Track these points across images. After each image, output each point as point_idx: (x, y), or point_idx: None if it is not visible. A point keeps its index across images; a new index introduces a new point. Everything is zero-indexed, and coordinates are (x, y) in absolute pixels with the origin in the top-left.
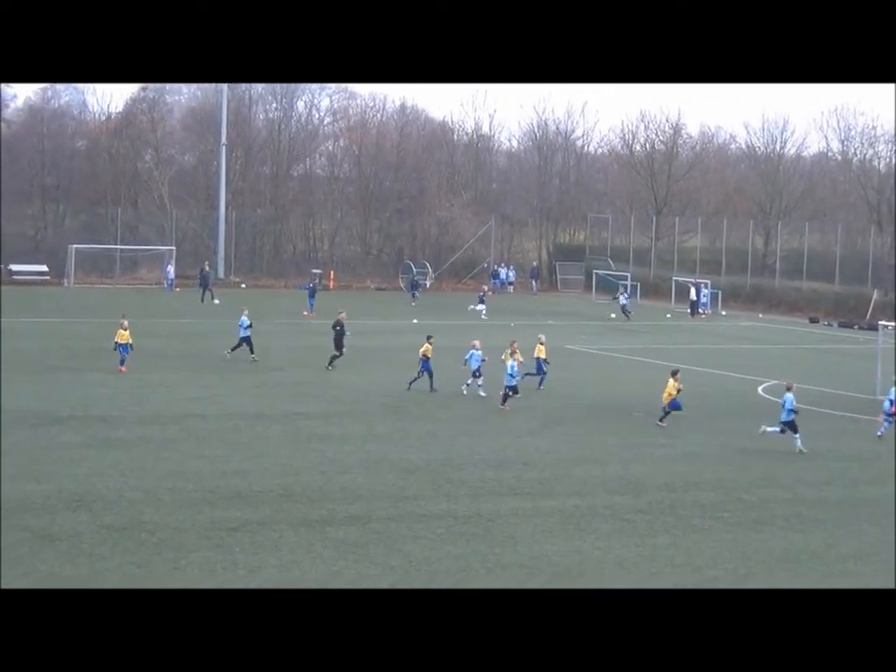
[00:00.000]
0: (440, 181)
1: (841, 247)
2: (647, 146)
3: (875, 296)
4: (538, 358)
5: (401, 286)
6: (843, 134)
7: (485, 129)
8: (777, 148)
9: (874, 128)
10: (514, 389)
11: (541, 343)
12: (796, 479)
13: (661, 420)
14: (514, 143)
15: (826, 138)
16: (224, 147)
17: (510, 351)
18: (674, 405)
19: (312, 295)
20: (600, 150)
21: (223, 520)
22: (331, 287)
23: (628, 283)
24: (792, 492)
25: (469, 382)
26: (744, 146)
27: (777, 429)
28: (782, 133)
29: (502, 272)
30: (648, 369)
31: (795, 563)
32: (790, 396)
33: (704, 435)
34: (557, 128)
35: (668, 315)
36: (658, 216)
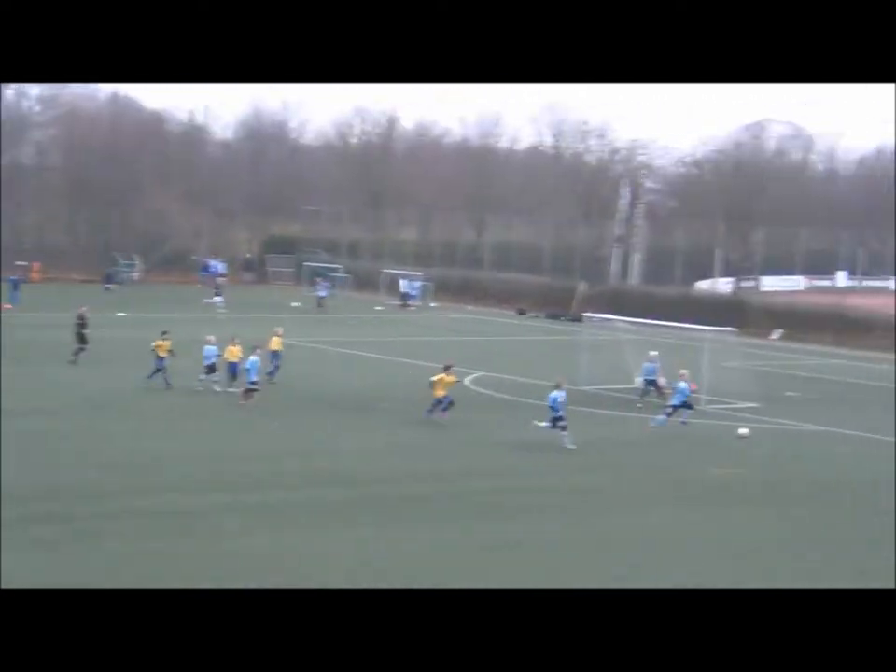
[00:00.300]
0: (152, 172)
1: (549, 240)
2: (362, 139)
3: (581, 287)
4: (273, 351)
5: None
6: (555, 129)
7: (199, 119)
8: (491, 142)
9: (585, 123)
10: (255, 384)
11: (278, 336)
12: (498, 469)
13: (438, 412)
14: (229, 134)
15: (539, 133)
16: None
17: (235, 345)
18: (448, 400)
19: (16, 287)
20: (315, 143)
21: None
22: (36, 279)
23: (340, 275)
24: (495, 482)
25: (203, 377)
26: (458, 139)
27: (548, 424)
28: (496, 128)
29: (212, 264)
30: (359, 361)
31: (497, 551)
32: (556, 394)
33: (410, 427)
34: (272, 119)
35: (379, 308)
36: (372, 209)
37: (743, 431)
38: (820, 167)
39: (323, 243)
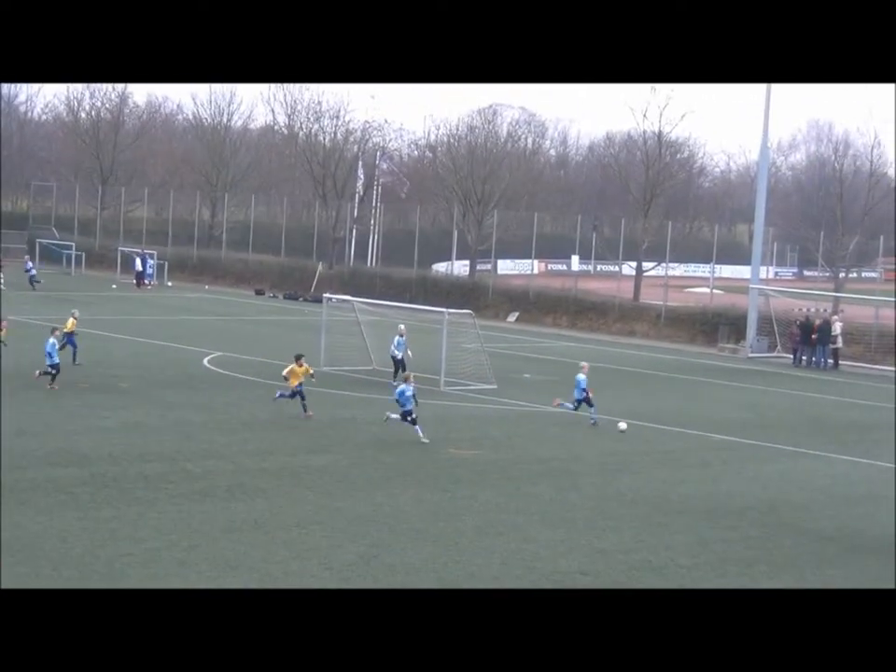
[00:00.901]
0: None
1: (287, 220)
2: (93, 114)
3: (319, 268)
4: (68, 333)
5: None
6: (289, 109)
7: None
8: (224, 120)
9: (319, 103)
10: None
11: (74, 318)
12: (239, 449)
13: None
14: None
15: (273, 112)
16: None
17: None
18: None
19: None
20: (45, 117)
21: None
22: None
23: (73, 252)
24: (235, 462)
25: None
26: (191, 117)
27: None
28: (229, 106)
29: None
30: (92, 339)
31: (239, 532)
32: (404, 387)
33: (148, 406)
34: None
35: (114, 286)
36: (104, 185)
37: (622, 426)
38: (553, 153)
39: (53, 219)
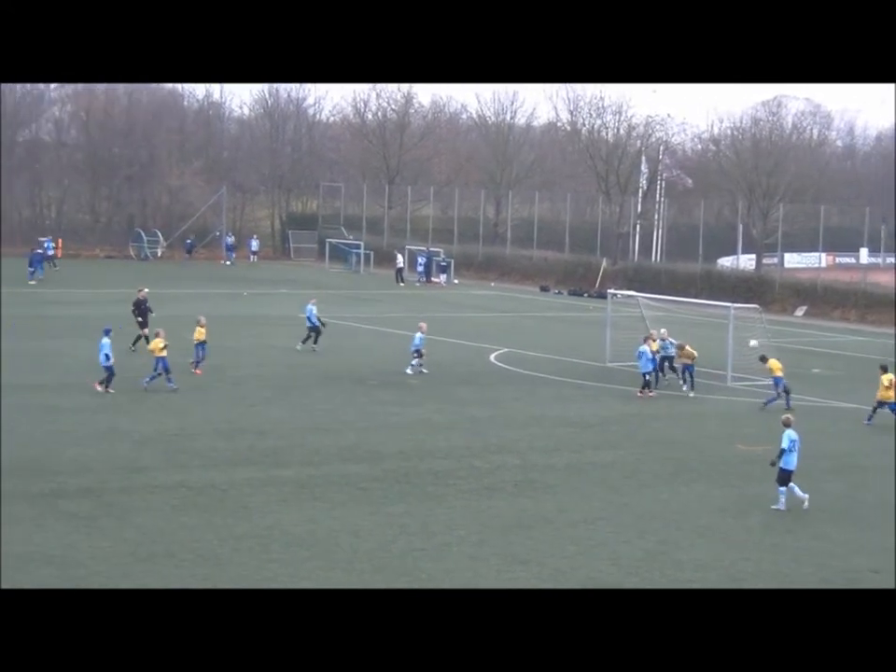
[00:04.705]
0: (170, 148)
1: (570, 217)
2: (379, 114)
3: (603, 264)
4: (199, 342)
5: (131, 254)
6: (571, 105)
7: (216, 95)
8: (508, 118)
9: (601, 99)
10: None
11: (201, 325)
12: (527, 446)
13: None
14: (245, 110)
15: (555, 109)
16: None
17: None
18: None
19: (39, 263)
20: (332, 119)
21: None
22: (58, 255)
23: (361, 251)
24: (523, 458)
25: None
26: (475, 115)
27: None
28: (512, 104)
29: (229, 240)
30: (381, 337)
31: (527, 528)
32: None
33: (437, 403)
34: (289, 95)
35: (402, 285)
36: (390, 184)
37: (753, 343)
38: (839, 143)
39: (342, 219)
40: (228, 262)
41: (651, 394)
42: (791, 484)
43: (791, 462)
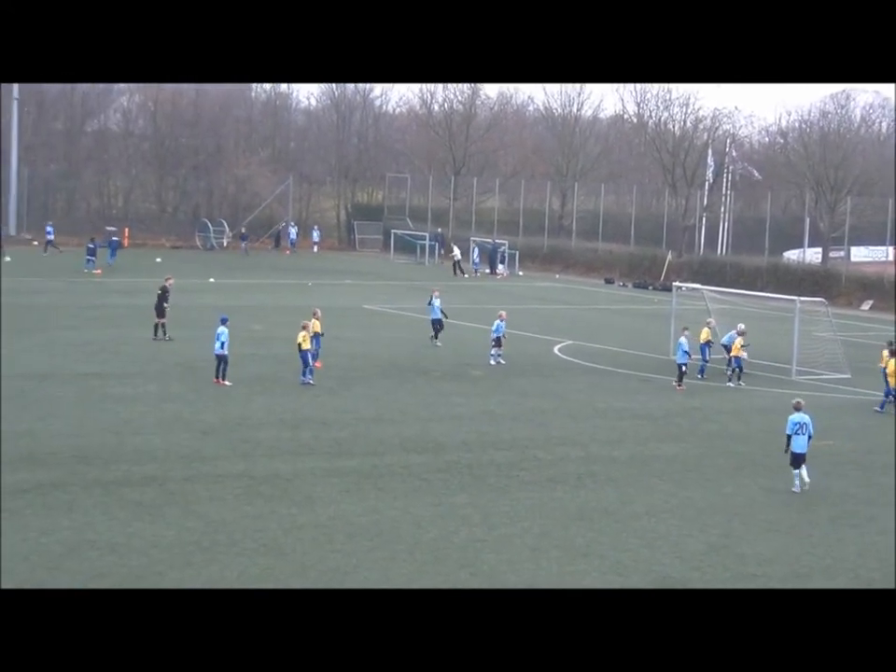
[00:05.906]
0: (237, 138)
1: (636, 209)
2: (445, 106)
3: (668, 257)
4: (315, 334)
5: (197, 244)
6: (638, 97)
7: (283, 87)
8: (574, 111)
9: (668, 91)
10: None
11: (316, 318)
12: (590, 438)
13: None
14: (312, 101)
15: (622, 101)
16: (16, 102)
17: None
18: None
19: (112, 251)
20: (399, 110)
21: (13, 482)
22: (126, 244)
23: (427, 242)
24: (586, 450)
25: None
26: (541, 107)
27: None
28: (579, 96)
29: (292, 230)
30: (445, 329)
31: (589, 521)
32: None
33: (500, 394)
34: (356, 87)
35: (466, 276)
36: (456, 176)
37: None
38: None
39: (408, 210)
40: (288, 252)
41: (680, 387)
42: (803, 466)
43: (801, 445)
